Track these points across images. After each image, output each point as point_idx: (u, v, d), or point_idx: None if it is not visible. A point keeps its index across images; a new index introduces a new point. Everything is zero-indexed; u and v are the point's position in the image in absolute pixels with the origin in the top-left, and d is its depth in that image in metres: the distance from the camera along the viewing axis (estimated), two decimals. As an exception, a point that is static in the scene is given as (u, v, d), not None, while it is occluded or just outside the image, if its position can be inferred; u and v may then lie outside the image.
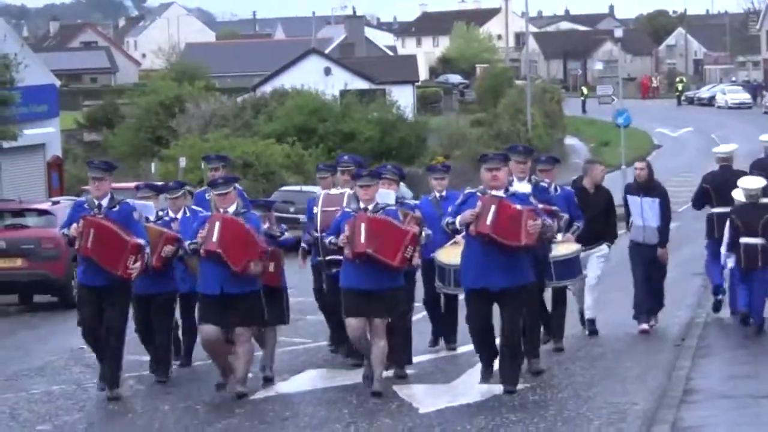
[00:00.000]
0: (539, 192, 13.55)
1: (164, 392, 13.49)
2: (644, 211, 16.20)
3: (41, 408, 13.08)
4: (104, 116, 58.77)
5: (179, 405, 12.85)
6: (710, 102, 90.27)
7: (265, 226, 13.75)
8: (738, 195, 16.16)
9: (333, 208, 13.67)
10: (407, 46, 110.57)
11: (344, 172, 14.60)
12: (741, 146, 28.67)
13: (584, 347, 15.77)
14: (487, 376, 12.80)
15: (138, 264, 12.51)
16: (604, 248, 16.46)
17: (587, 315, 16.56)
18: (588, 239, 15.80)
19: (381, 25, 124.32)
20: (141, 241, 12.60)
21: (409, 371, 14.07)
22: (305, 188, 30.77)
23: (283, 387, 13.91)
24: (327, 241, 12.90)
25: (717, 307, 17.50)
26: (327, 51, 73.19)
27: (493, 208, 11.59)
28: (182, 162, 36.85)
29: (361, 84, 59.20)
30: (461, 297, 14.12)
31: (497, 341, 12.72)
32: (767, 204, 15.75)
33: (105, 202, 12.61)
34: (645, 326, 16.40)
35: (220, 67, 72.94)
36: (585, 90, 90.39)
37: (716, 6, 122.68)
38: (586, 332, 16.55)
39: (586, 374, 13.93)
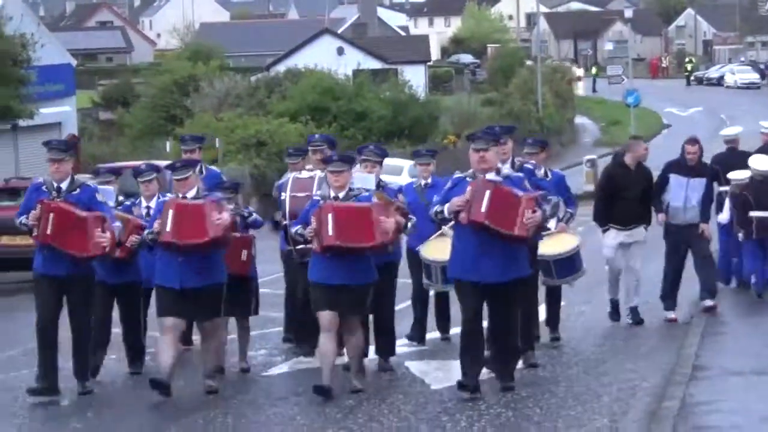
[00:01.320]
0: (525, 175, 12.48)
1: (138, 386, 12.62)
2: (688, 192, 15.24)
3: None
4: (120, 95, 58.59)
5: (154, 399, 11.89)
6: (719, 82, 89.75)
7: (231, 206, 13.09)
8: (741, 174, 16.04)
9: (303, 194, 12.69)
10: (419, 26, 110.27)
11: (315, 151, 13.44)
12: (750, 126, 28.16)
13: (593, 327, 15.62)
14: (468, 384, 10.95)
15: (108, 234, 11.44)
16: (641, 231, 15.64)
17: (631, 303, 15.50)
18: (625, 220, 15.22)
19: (393, 6, 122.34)
20: (104, 215, 11.64)
21: (421, 348, 13.89)
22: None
23: (292, 365, 13.74)
24: (293, 231, 11.88)
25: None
26: (340, 31, 72.60)
27: (488, 193, 10.39)
28: (219, 143, 36.65)
29: (374, 64, 58.80)
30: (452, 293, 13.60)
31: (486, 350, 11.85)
32: None
33: (65, 185, 11.63)
34: (673, 315, 15.69)
35: (234, 46, 72.41)
36: (595, 69, 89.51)
37: None
38: (630, 321, 15.50)
39: (596, 351, 14.08)
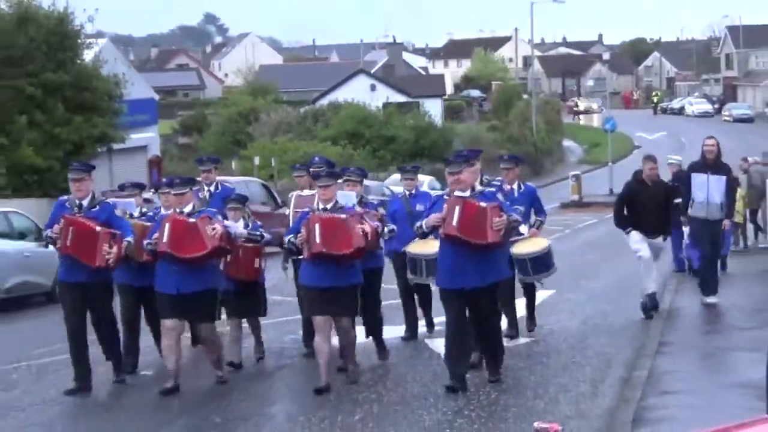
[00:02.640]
0: (488, 196, 11.55)
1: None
2: (710, 188, 13.85)
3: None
4: (195, 124, 59.20)
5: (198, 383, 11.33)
6: (680, 112, 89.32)
7: (239, 222, 11.76)
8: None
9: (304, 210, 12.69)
10: (437, 67, 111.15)
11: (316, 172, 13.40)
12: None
13: (577, 311, 15.26)
14: (455, 385, 10.10)
15: (114, 249, 10.60)
16: (661, 242, 14.50)
17: (650, 290, 14.11)
18: (648, 229, 13.97)
19: (416, 50, 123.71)
20: (115, 231, 10.74)
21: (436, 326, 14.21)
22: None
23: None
24: (286, 240, 10.94)
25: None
26: (372, 71, 72.51)
27: (457, 209, 9.71)
28: (256, 160, 37.01)
29: (400, 98, 58.70)
30: (434, 287, 12.69)
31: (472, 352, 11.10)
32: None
33: (86, 202, 10.78)
34: (713, 300, 14.43)
35: (287, 84, 72.30)
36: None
37: (685, 33, 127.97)
38: (648, 306, 14.16)
39: (579, 330, 13.85)
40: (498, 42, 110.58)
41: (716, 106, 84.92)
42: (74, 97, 26.91)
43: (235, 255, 11.59)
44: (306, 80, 73.73)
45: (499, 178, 13.09)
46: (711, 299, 14.54)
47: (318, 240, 10.01)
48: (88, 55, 28.92)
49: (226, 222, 11.27)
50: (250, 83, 70.73)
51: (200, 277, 10.81)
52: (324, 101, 55.29)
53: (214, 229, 10.51)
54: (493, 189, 11.10)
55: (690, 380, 10.92)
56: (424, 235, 10.96)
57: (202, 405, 10.76)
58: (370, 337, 12.66)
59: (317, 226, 10.06)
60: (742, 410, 8.08)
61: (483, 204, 9.98)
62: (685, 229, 16.26)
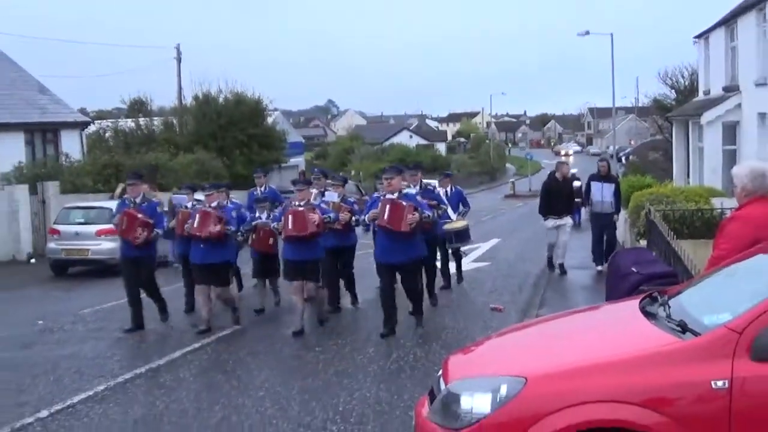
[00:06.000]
0: (427, 192, 11.48)
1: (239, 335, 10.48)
2: (603, 192, 14.18)
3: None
4: (321, 154, 77.62)
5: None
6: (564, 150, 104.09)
7: (264, 215, 11.41)
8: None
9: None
10: (442, 126, 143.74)
11: (317, 179, 12.73)
12: (576, 166, 36.30)
13: (489, 279, 14.60)
14: (385, 334, 10.01)
15: (144, 234, 10.36)
16: (568, 220, 14.24)
17: (559, 261, 14.21)
18: (558, 212, 14.05)
19: (432, 118, 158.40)
20: (150, 221, 10.49)
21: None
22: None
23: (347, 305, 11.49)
24: (272, 225, 10.82)
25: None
26: (411, 128, 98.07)
27: (387, 207, 9.56)
28: (352, 172, 47.77)
29: (424, 142, 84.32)
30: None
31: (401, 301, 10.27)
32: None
33: (138, 200, 10.69)
34: (600, 267, 13.97)
35: (368, 135, 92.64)
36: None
37: (567, 111, 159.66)
38: (558, 272, 14.04)
39: (494, 287, 13.68)
40: (474, 114, 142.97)
41: (582, 148, 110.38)
42: (262, 140, 36.73)
43: (258, 235, 11.09)
44: (377, 133, 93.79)
45: (434, 182, 13.12)
46: (599, 267, 14.24)
47: (290, 226, 9.80)
48: (269, 119, 38.88)
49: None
50: (349, 134, 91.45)
51: (218, 251, 10.16)
52: (386, 144, 73.25)
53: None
54: (413, 193, 10.68)
55: (556, 292, 12.69)
56: (366, 226, 10.58)
57: (226, 341, 10.06)
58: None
59: (290, 216, 9.85)
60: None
61: (404, 203, 10.00)
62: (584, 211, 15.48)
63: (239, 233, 10.74)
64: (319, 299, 10.17)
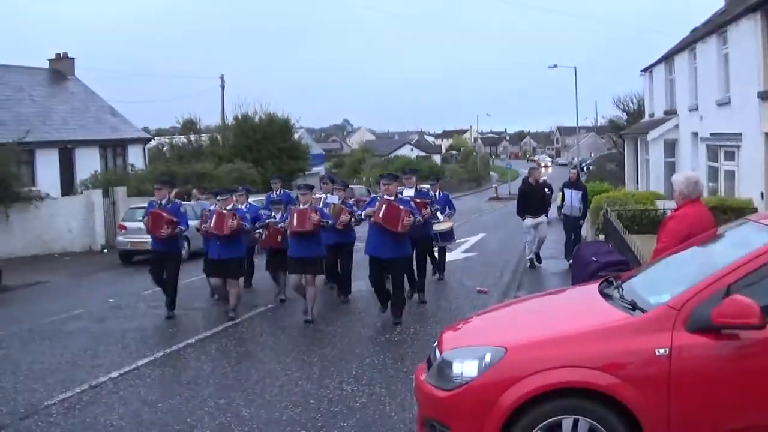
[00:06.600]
0: (422, 194, 10.74)
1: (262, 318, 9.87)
2: (572, 198, 13.50)
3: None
4: (338, 164, 74.55)
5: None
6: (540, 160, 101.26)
7: (278, 215, 10.63)
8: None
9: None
10: (438, 141, 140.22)
11: (323, 183, 11.68)
12: (553, 172, 36.32)
13: (476, 266, 13.73)
14: (383, 309, 9.69)
15: (168, 230, 9.83)
16: (544, 218, 13.38)
17: (535, 251, 13.49)
18: (535, 213, 13.25)
19: (430, 134, 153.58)
20: (174, 219, 9.92)
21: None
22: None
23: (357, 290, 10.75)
24: (280, 225, 10.26)
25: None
26: (412, 142, 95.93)
27: (384, 207, 9.05)
28: (364, 179, 46.17)
29: (423, 154, 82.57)
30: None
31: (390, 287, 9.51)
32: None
33: (163, 202, 10.16)
34: (570, 262, 13.12)
35: (376, 148, 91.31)
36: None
37: (540, 128, 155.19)
38: (536, 262, 13.40)
39: (480, 273, 13.10)
40: (464, 131, 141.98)
41: (552, 159, 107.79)
42: (290, 153, 36.89)
43: (268, 232, 10.47)
44: (384, 146, 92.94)
45: (427, 186, 12.77)
46: (570, 262, 12.87)
47: (295, 223, 9.23)
48: (296, 135, 38.89)
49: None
50: (361, 147, 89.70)
51: (232, 248, 9.54)
52: (392, 155, 73.04)
53: (232, 222, 9.62)
54: (408, 197, 10.04)
55: (531, 277, 12.17)
56: (360, 221, 9.99)
57: (259, 318, 9.80)
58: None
59: (295, 215, 9.31)
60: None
61: (401, 206, 9.36)
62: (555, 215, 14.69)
63: (255, 230, 10.51)
64: (310, 297, 9.36)
